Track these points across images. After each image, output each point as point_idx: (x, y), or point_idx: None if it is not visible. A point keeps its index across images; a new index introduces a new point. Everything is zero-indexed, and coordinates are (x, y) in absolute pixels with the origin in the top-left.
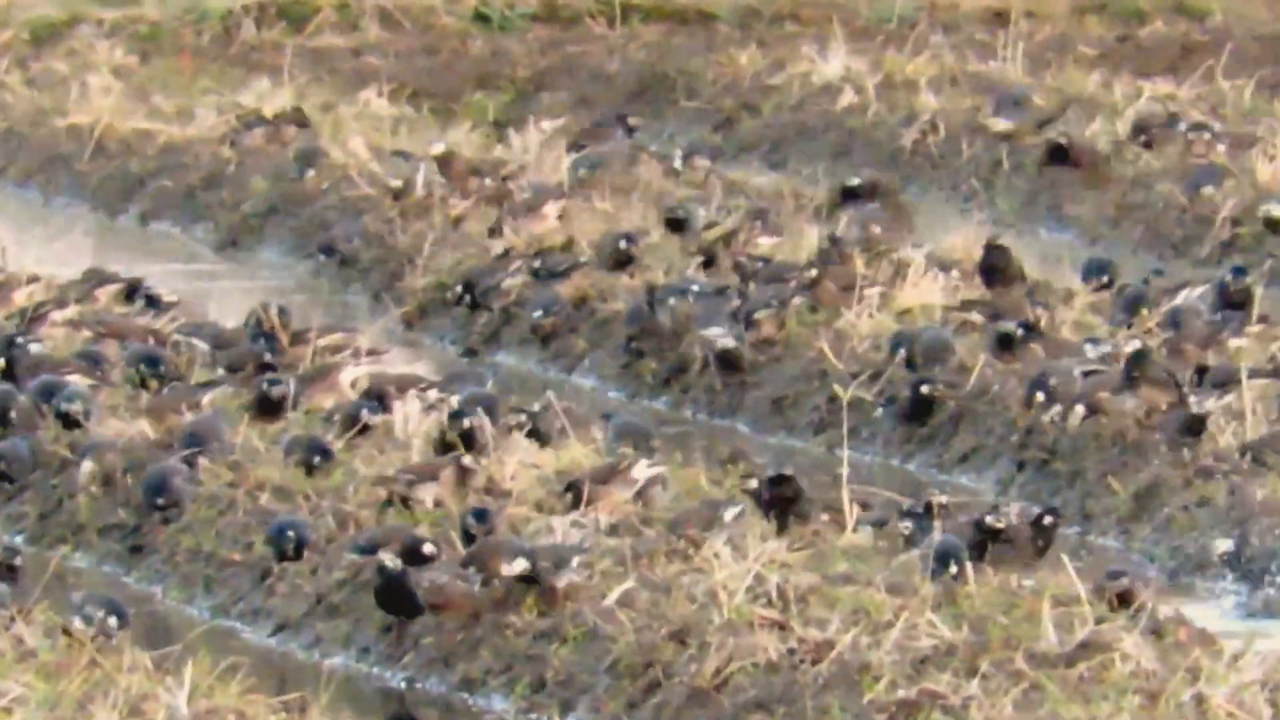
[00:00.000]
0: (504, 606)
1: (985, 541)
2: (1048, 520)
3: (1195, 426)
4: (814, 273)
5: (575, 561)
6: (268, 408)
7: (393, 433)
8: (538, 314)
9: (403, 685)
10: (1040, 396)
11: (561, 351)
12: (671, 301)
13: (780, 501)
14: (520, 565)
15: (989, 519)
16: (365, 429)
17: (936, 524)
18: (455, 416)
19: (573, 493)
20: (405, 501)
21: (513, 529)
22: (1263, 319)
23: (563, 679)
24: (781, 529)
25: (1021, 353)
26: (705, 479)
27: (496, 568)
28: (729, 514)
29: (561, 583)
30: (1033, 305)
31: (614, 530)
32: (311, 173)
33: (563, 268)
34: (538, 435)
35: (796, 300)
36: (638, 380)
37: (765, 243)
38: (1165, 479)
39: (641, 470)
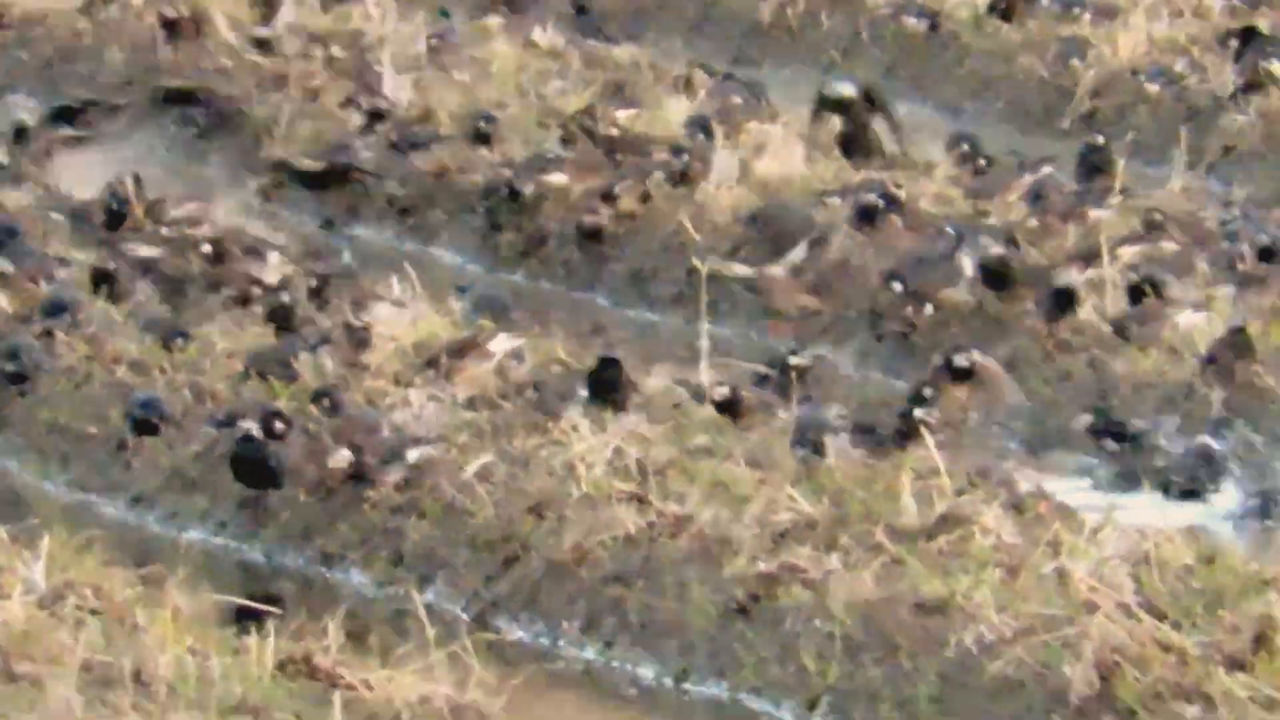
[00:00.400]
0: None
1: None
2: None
3: (1063, 301)
4: (685, 157)
5: (411, 455)
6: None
7: (250, 305)
8: (394, 187)
9: (260, 559)
10: (897, 287)
11: (419, 224)
12: (536, 175)
13: (604, 386)
14: (344, 458)
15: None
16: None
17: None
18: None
19: (431, 366)
20: (263, 375)
21: (370, 403)
22: (1124, 191)
23: (421, 553)
24: (610, 411)
25: (882, 225)
26: (563, 351)
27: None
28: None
29: (385, 478)
30: (893, 178)
31: (472, 404)
32: (168, 46)
33: (421, 140)
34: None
35: (657, 174)
36: (496, 253)
37: (623, 115)
38: (1025, 352)
39: (500, 343)
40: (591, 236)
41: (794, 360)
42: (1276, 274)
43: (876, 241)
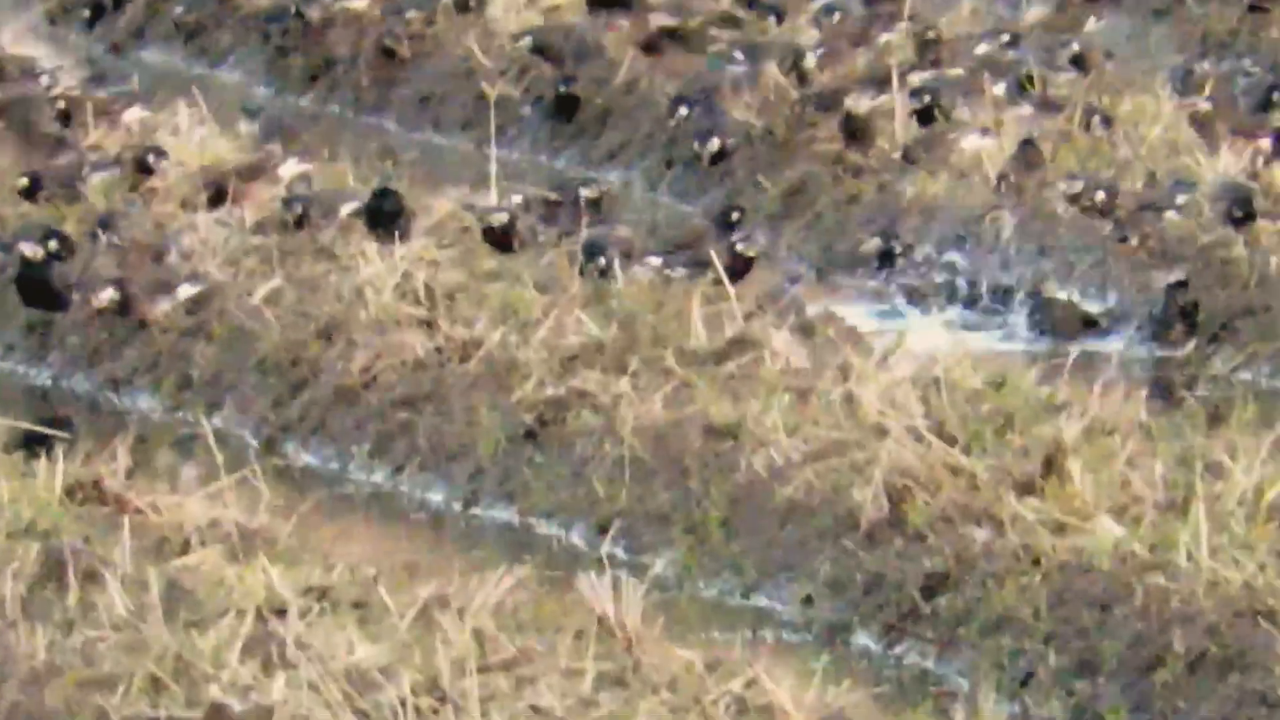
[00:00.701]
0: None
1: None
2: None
3: (856, 129)
4: None
5: (180, 292)
6: None
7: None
8: (180, 10)
9: (48, 383)
10: (683, 110)
11: (206, 47)
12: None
13: (383, 216)
14: (108, 296)
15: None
16: None
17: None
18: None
19: (217, 189)
20: (49, 198)
21: (158, 227)
22: (912, 16)
23: (209, 378)
24: (390, 240)
25: (669, 48)
26: (353, 176)
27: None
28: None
29: (155, 313)
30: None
31: (260, 228)
32: None
33: None
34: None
35: None
36: (284, 75)
37: None
38: (815, 176)
39: (289, 168)
40: (386, 57)
41: (584, 192)
42: (1067, 97)
43: (663, 66)
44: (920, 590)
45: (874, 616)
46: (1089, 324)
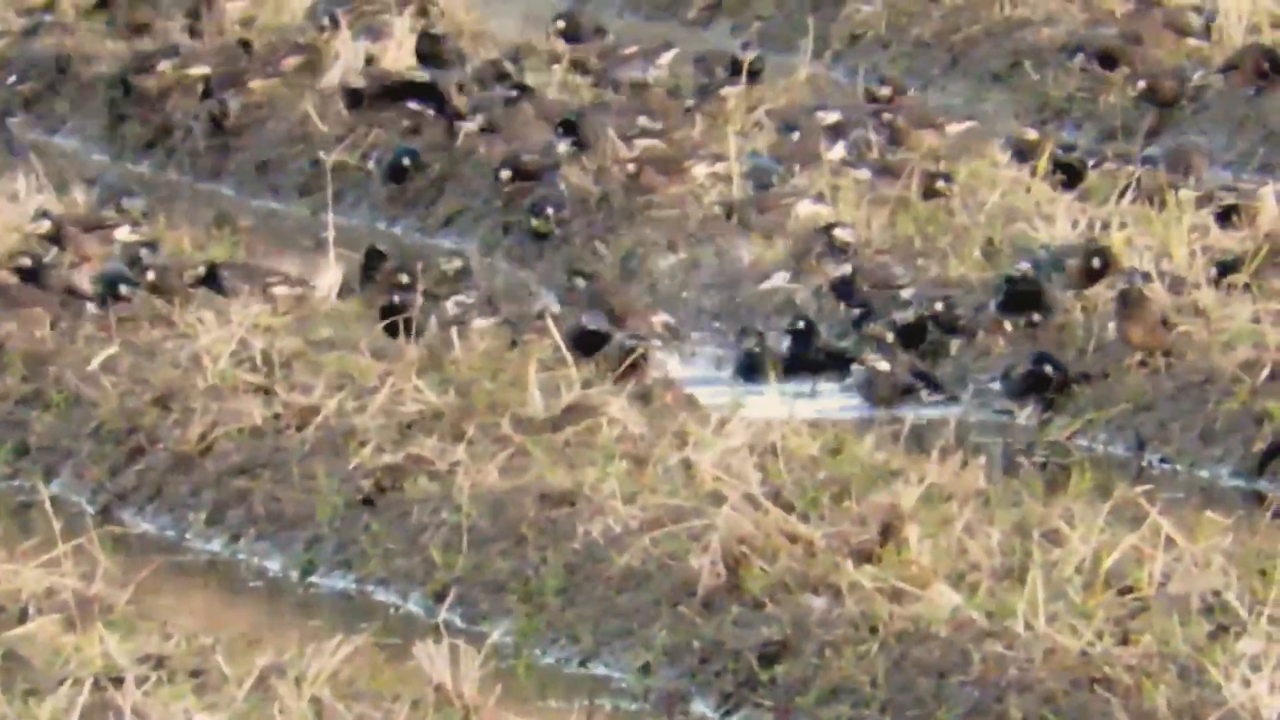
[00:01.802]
0: None
1: None
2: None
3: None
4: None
5: None
6: None
7: None
8: (13, 79)
9: None
10: (506, 174)
11: (44, 113)
12: (161, 65)
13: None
14: None
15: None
16: None
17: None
18: None
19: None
20: None
21: None
22: (753, 75)
23: (46, 444)
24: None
25: (510, 113)
26: (189, 242)
27: None
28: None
29: None
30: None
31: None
32: None
33: (44, 29)
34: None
35: (291, 61)
36: (121, 142)
37: (234, 5)
38: (651, 242)
39: (124, 234)
40: (219, 125)
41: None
42: (904, 163)
43: (507, 133)
44: (758, 658)
45: (711, 685)
46: (909, 390)
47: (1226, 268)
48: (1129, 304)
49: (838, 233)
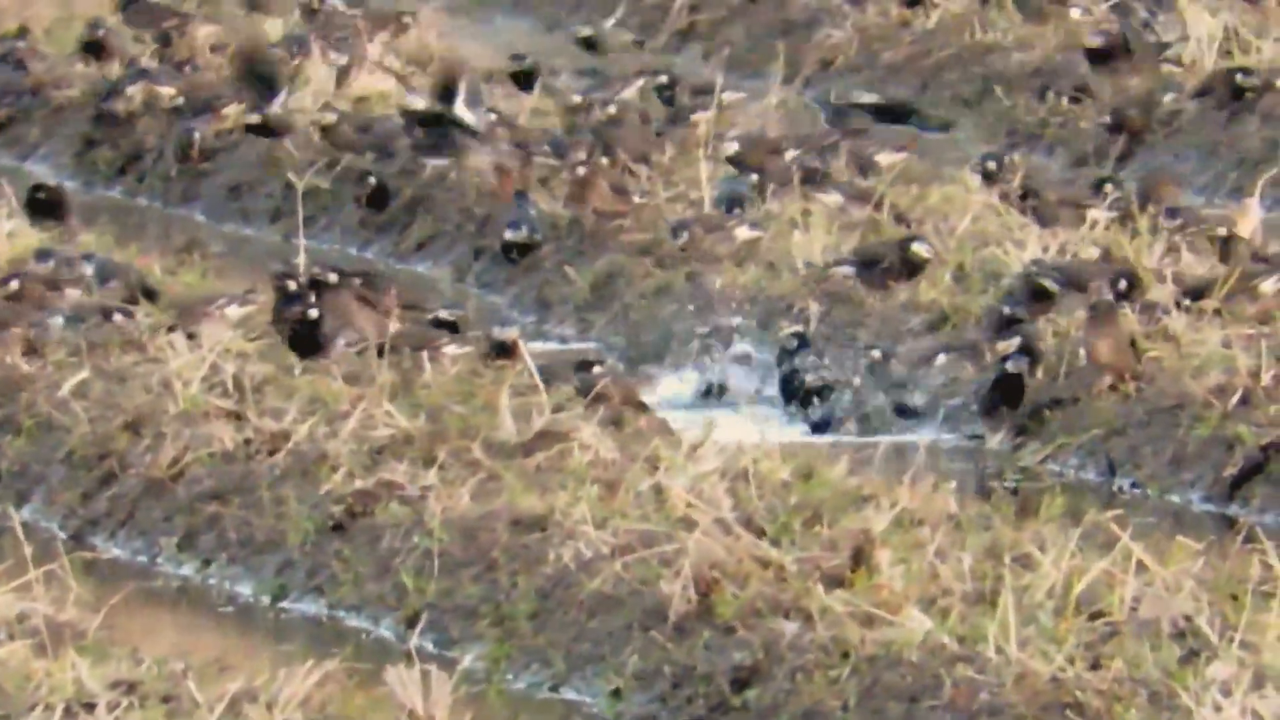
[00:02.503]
0: None
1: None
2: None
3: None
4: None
5: None
6: None
7: None
8: None
9: None
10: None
11: (15, 139)
12: (129, 90)
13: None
14: None
15: None
16: None
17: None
18: None
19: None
20: None
21: None
22: (721, 106)
23: (17, 470)
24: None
25: (483, 138)
26: (159, 268)
27: None
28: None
29: None
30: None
31: (69, 319)
32: None
33: (15, 56)
34: None
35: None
36: (93, 168)
37: (205, 31)
38: (623, 267)
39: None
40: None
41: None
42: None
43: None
44: (729, 683)
45: (683, 709)
46: (900, 413)
47: (1197, 293)
48: (1099, 320)
49: (915, 247)
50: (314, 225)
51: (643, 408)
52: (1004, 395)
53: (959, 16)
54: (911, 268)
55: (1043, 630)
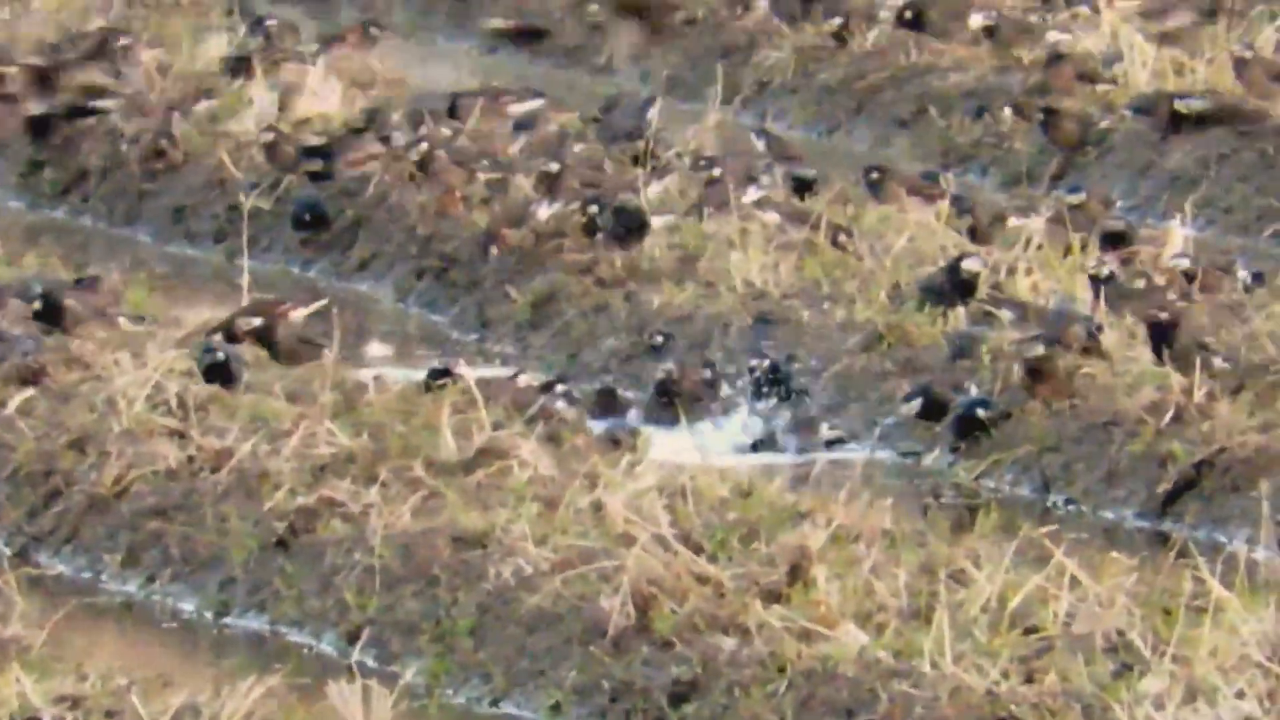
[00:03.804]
0: None
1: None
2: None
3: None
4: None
5: None
6: None
7: None
8: None
9: None
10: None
11: None
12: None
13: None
14: None
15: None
16: None
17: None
18: None
19: None
20: None
21: None
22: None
23: None
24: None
25: (427, 164)
26: (107, 289)
27: None
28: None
29: None
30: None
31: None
32: None
33: None
34: None
35: (202, 106)
36: (37, 189)
37: (149, 55)
38: (563, 287)
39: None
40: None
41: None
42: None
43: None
44: (668, 698)
45: None
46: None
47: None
48: (1038, 370)
49: (966, 264)
50: (257, 245)
51: (582, 426)
52: (930, 412)
53: (895, 38)
54: (966, 287)
55: (977, 645)
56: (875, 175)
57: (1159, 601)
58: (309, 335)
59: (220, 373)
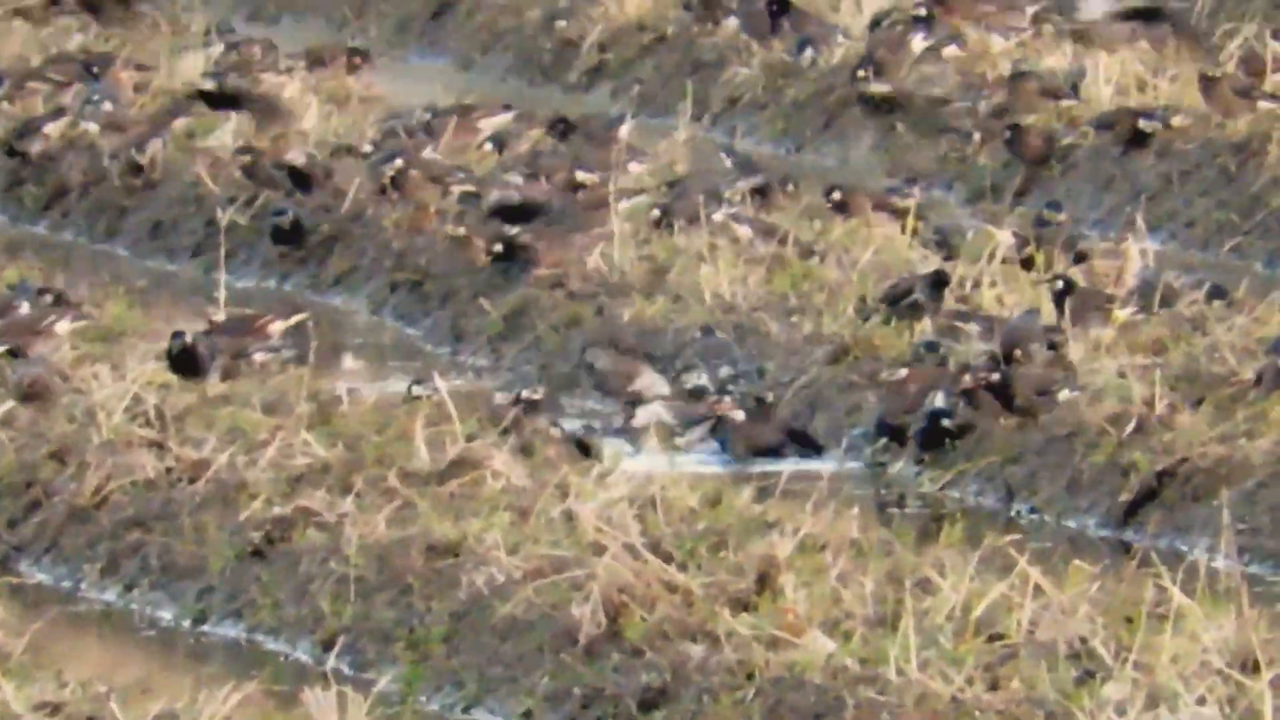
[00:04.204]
0: None
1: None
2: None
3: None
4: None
5: None
6: None
7: None
8: None
9: None
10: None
11: None
12: (46, 129)
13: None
14: None
15: None
16: None
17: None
18: None
19: None
20: None
21: None
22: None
23: None
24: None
25: (401, 180)
26: (88, 303)
27: None
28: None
29: None
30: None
31: None
32: None
33: None
34: None
35: (180, 122)
36: (18, 204)
37: (127, 77)
38: (535, 299)
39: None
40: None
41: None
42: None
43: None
44: (638, 704)
45: None
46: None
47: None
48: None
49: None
50: (234, 260)
51: (554, 436)
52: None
53: (861, 54)
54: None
55: (943, 652)
56: (837, 195)
57: (1121, 609)
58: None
59: (188, 364)
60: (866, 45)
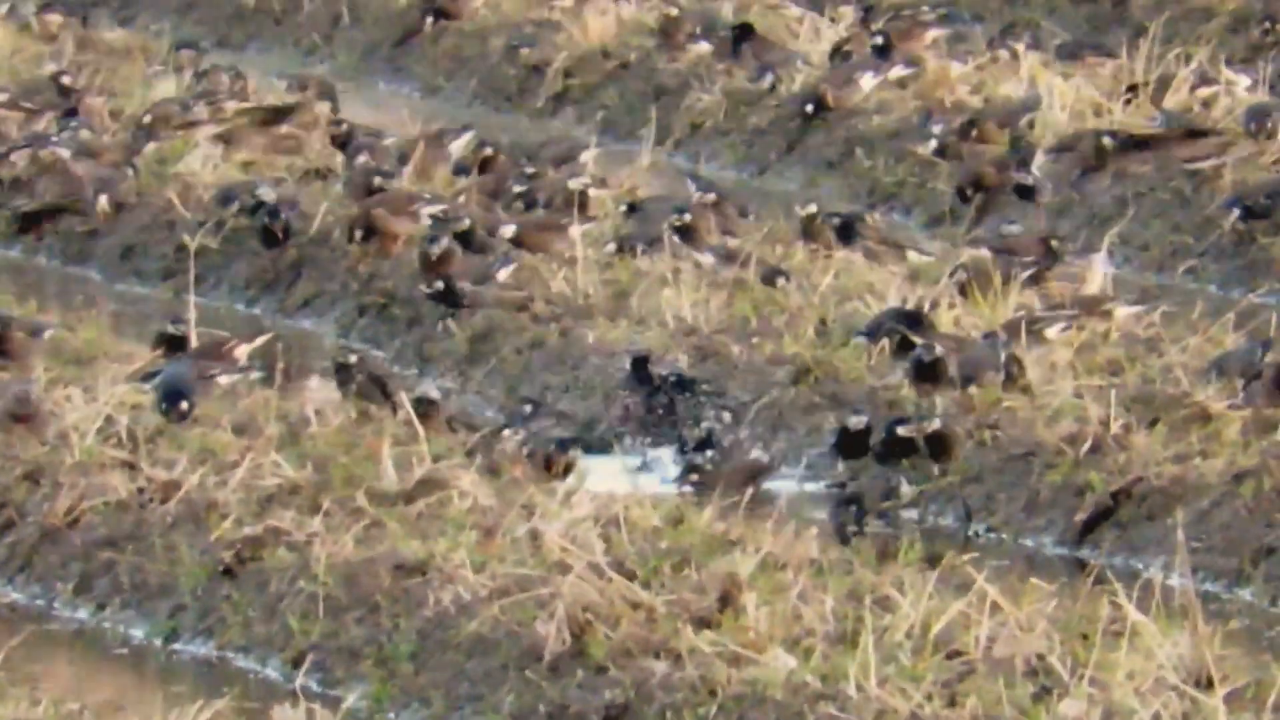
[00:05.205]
0: None
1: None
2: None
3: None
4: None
5: None
6: None
7: None
8: None
9: None
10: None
11: None
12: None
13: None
14: None
15: None
16: None
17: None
18: None
19: None
20: None
21: None
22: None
23: None
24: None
25: (370, 202)
26: (61, 326)
27: None
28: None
29: None
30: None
31: None
32: None
33: None
34: None
35: (150, 148)
36: None
37: (99, 101)
38: (501, 323)
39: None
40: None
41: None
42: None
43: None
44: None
45: None
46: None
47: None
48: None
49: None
50: (204, 283)
51: (519, 457)
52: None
53: (822, 80)
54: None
55: (902, 669)
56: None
57: (1077, 626)
58: None
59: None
60: (817, 81)
